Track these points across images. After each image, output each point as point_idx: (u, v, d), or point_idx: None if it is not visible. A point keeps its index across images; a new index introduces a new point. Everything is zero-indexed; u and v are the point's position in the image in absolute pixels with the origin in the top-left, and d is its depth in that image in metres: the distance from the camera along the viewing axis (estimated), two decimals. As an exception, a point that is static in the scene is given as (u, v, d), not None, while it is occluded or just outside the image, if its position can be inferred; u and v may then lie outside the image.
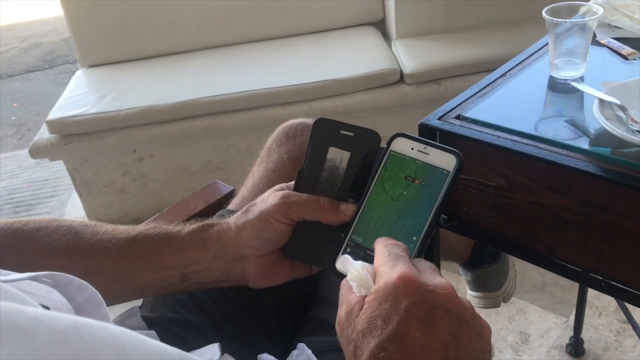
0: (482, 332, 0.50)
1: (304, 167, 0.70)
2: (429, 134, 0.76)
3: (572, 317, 1.65)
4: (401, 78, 2.06)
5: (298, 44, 2.31)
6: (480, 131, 0.74)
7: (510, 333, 1.65)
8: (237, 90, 2.02)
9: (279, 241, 0.67)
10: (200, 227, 0.70)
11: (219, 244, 0.68)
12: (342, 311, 0.52)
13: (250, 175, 0.91)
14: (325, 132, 0.70)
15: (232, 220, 0.69)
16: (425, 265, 0.55)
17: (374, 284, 0.52)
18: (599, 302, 1.69)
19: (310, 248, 0.69)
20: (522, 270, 1.72)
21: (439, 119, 0.77)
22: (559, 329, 1.65)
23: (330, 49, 2.24)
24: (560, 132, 0.76)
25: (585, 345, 1.57)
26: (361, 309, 0.50)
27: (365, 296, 0.51)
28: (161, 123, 2.02)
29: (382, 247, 0.55)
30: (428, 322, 0.47)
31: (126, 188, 2.15)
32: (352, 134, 0.69)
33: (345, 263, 0.57)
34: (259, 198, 0.69)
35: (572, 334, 1.58)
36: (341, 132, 0.69)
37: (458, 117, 0.77)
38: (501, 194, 0.75)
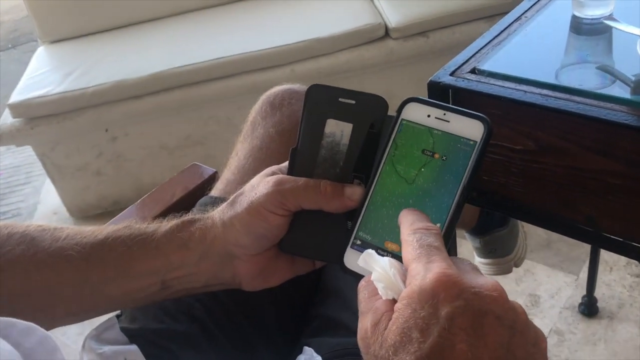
0: (537, 343, 0.40)
1: (298, 145, 0.58)
2: (440, 94, 0.65)
3: (582, 275, 1.58)
4: (386, 33, 1.93)
5: (273, 2, 2.16)
6: (502, 86, 0.62)
7: (519, 296, 1.57)
8: (212, 58, 1.88)
9: (274, 236, 0.56)
10: (180, 224, 0.59)
11: (203, 244, 0.57)
12: (366, 322, 0.42)
13: (234, 154, 0.80)
14: (321, 100, 0.58)
15: (217, 214, 0.58)
16: (463, 262, 0.44)
17: (405, 285, 0.42)
18: (609, 256, 1.61)
19: (312, 241, 0.58)
20: (525, 228, 1.64)
21: (452, 74, 0.65)
22: (570, 288, 1.58)
23: (309, 6, 2.10)
24: (591, 80, 0.65)
25: (598, 304, 1.49)
26: (390, 318, 0.40)
27: (394, 301, 0.41)
28: (133, 98, 1.89)
29: (410, 234, 0.44)
30: (476, 331, 0.37)
31: (102, 170, 2.02)
32: (353, 102, 0.58)
33: (369, 259, 0.46)
34: (247, 185, 0.58)
35: (583, 292, 1.51)
36: (340, 100, 0.58)
37: (473, 71, 0.66)
38: (529, 159, 0.64)
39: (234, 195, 0.58)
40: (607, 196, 0.61)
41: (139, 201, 0.77)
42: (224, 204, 0.59)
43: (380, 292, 0.43)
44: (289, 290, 0.71)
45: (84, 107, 1.88)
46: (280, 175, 0.56)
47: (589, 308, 1.48)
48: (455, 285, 0.38)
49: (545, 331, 1.47)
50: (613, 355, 1.41)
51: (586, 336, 1.46)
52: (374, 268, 0.45)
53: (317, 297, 0.72)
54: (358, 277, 0.52)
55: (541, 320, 1.50)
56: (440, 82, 0.64)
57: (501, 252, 1.25)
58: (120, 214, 0.75)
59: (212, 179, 0.79)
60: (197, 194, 0.77)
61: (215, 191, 0.77)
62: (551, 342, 1.45)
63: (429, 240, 0.43)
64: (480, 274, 0.42)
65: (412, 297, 0.39)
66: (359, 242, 0.53)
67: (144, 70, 1.87)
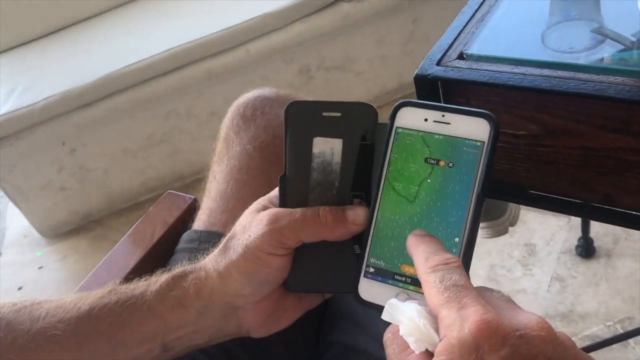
0: None
1: (286, 172, 0.53)
2: (430, 88, 0.59)
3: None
4: (338, -4, 1.84)
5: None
6: (497, 71, 0.56)
7: (515, 247, 1.55)
8: (160, 50, 1.77)
9: (278, 279, 0.51)
10: (171, 281, 0.53)
11: (200, 299, 0.52)
12: None
13: (212, 179, 0.73)
14: (303, 118, 0.52)
15: (210, 263, 0.52)
16: (494, 296, 0.39)
17: (438, 335, 0.37)
18: (597, 192, 1.60)
19: (320, 275, 0.52)
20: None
21: (439, 63, 0.59)
22: (563, 231, 1.56)
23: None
24: (580, 41, 0.60)
25: (594, 244, 1.48)
26: None
27: (429, 353, 0.37)
28: (85, 107, 1.78)
29: (430, 273, 0.39)
30: None
31: (66, 185, 1.92)
32: (338, 114, 0.52)
33: (393, 311, 0.40)
34: (238, 226, 0.52)
35: (577, 234, 1.49)
36: (324, 114, 0.52)
37: (461, 56, 0.60)
38: (535, 143, 0.59)
39: (225, 239, 0.52)
40: (625, 173, 0.56)
41: (115, 247, 0.70)
42: (216, 251, 0.53)
43: (412, 347, 0.38)
44: (296, 322, 0.65)
45: (35, 124, 1.77)
46: (273, 211, 0.50)
47: (586, 249, 1.47)
48: (497, 332, 0.34)
49: (547, 280, 1.46)
50: (617, 293, 1.40)
51: (587, 278, 1.45)
52: (401, 320, 0.39)
53: (327, 322, 0.67)
54: (376, 309, 0.47)
55: (541, 270, 1.49)
56: (428, 75, 0.58)
57: (495, 213, 1.22)
58: (100, 263, 0.69)
59: (192, 208, 0.73)
60: (178, 227, 0.71)
61: (199, 223, 0.70)
62: (554, 289, 1.44)
63: (453, 278, 0.38)
64: (517, 307, 0.37)
65: (452, 351, 0.34)
66: (372, 269, 0.48)
67: (91, 75, 1.76)
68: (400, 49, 1.95)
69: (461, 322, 0.34)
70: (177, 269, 0.54)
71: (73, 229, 1.98)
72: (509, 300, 0.38)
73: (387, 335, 0.40)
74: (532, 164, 0.61)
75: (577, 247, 1.49)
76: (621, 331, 1.32)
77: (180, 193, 0.74)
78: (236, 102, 0.75)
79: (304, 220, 0.48)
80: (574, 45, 0.61)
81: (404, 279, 0.46)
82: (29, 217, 1.97)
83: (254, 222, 0.50)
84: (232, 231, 0.52)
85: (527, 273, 1.49)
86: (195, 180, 1.98)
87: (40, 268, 1.88)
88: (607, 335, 1.32)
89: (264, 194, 0.59)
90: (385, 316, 0.41)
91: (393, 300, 0.41)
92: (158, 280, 0.54)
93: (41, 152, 1.84)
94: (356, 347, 0.62)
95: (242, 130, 0.72)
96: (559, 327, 1.37)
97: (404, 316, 0.39)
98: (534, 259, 1.52)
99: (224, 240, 0.52)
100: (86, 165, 1.90)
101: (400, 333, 0.39)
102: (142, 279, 0.56)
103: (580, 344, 1.32)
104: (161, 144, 1.93)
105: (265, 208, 0.52)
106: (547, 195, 0.63)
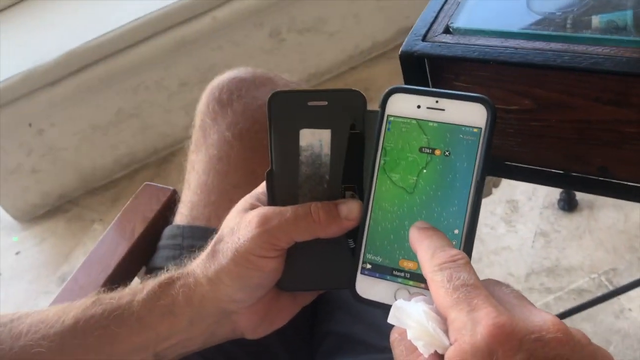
0: None
1: (273, 167, 0.50)
2: (416, 67, 0.56)
3: (554, 168, 1.56)
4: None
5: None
6: (487, 45, 0.53)
7: (497, 205, 1.54)
8: (125, 22, 1.69)
9: (271, 281, 0.49)
10: (158, 290, 0.50)
11: (191, 307, 0.49)
12: None
13: (191, 169, 0.69)
14: (288, 110, 0.49)
15: (199, 269, 0.50)
16: (504, 292, 0.38)
17: (448, 338, 0.35)
18: (577, 144, 1.59)
19: (314, 272, 0.50)
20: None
21: (424, 39, 0.56)
22: (545, 186, 1.55)
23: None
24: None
25: (576, 197, 1.48)
26: None
27: (438, 355, 0.35)
28: (50, 85, 1.70)
29: (436, 271, 0.37)
30: None
31: (37, 167, 1.86)
32: (325, 103, 0.49)
33: (400, 315, 0.38)
34: (225, 228, 0.49)
35: (559, 188, 1.49)
36: (309, 104, 0.49)
37: (447, 30, 0.57)
38: (527, 118, 0.57)
39: (212, 242, 0.50)
40: (622, 145, 0.54)
41: (97, 245, 0.67)
42: (203, 255, 0.50)
43: (420, 350, 0.36)
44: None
45: (-3, 106, 1.69)
46: (263, 211, 0.47)
47: (568, 203, 1.47)
48: (512, 336, 0.32)
49: (530, 236, 1.47)
50: (600, 245, 1.41)
51: (571, 231, 1.45)
52: (408, 324, 0.37)
53: (322, 311, 0.65)
54: (375, 307, 0.46)
55: (524, 226, 1.49)
56: (414, 52, 0.55)
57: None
58: (80, 265, 0.65)
59: (172, 200, 0.69)
60: (159, 222, 0.68)
61: (180, 217, 0.67)
62: (538, 245, 1.45)
63: (462, 277, 0.36)
64: (529, 305, 0.36)
65: (465, 357, 0.32)
66: (369, 266, 0.45)
67: (54, 51, 1.68)
68: (373, 4, 1.90)
69: (473, 325, 0.33)
70: (164, 276, 0.51)
71: (48, 211, 1.93)
72: (520, 297, 0.37)
73: (394, 336, 0.38)
74: (524, 138, 0.59)
75: (559, 201, 1.49)
76: (606, 283, 1.34)
77: (158, 185, 0.70)
78: (210, 85, 0.71)
79: (295, 219, 0.46)
80: (561, 6, 0.58)
81: (402, 274, 0.44)
82: (1, 202, 1.91)
83: (242, 224, 0.47)
84: (219, 234, 0.49)
85: (511, 230, 1.49)
86: (170, 154, 1.93)
87: (17, 253, 1.84)
88: (593, 287, 1.34)
89: (247, 184, 0.56)
90: (391, 320, 0.38)
91: (399, 302, 0.39)
92: (144, 288, 0.51)
93: (7, 136, 1.77)
94: (353, 337, 0.60)
95: (218, 116, 0.68)
96: (545, 282, 1.38)
97: (411, 319, 0.37)
98: (516, 216, 1.52)
99: (210, 244, 0.50)
100: (56, 146, 1.84)
101: (409, 337, 0.37)
102: (126, 286, 0.53)
103: (566, 298, 1.34)
104: (131, 119, 1.87)
105: (253, 207, 0.49)
106: (541, 169, 0.61)
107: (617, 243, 1.41)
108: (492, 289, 0.37)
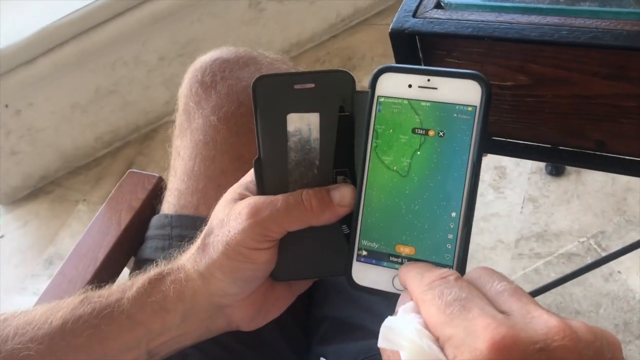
0: (614, 355, 0.33)
1: (260, 154, 0.48)
2: (407, 44, 0.54)
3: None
4: None
5: None
6: (481, 20, 0.51)
7: (485, 171, 1.53)
8: (97, -4, 1.64)
9: (265, 273, 0.47)
10: (147, 285, 0.49)
11: (183, 303, 0.48)
12: None
13: (176, 155, 0.67)
14: (273, 94, 0.47)
15: (189, 263, 0.48)
16: (497, 289, 0.35)
17: (443, 354, 0.33)
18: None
19: (308, 261, 0.49)
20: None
21: (415, 15, 0.54)
22: (532, 150, 1.55)
23: None
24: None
25: (564, 161, 1.48)
26: None
27: None
28: (25, 64, 1.65)
29: (425, 290, 0.35)
30: None
31: (16, 149, 1.82)
32: (312, 85, 0.47)
33: (391, 336, 0.35)
34: (214, 220, 0.48)
35: (547, 151, 1.49)
36: (295, 87, 0.47)
37: (439, 5, 0.54)
38: (522, 93, 0.55)
39: (202, 235, 0.48)
40: (620, 119, 0.53)
41: (82, 237, 0.65)
42: (193, 249, 0.49)
43: None
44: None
45: (-30, 88, 1.64)
46: (252, 201, 0.45)
47: (556, 167, 1.47)
48: (514, 347, 0.30)
49: (519, 201, 1.46)
50: (588, 208, 1.42)
51: (559, 196, 1.45)
52: (401, 345, 0.34)
53: (317, 294, 0.64)
54: (373, 294, 0.44)
55: (513, 191, 1.49)
56: (405, 30, 0.53)
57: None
58: (66, 258, 0.64)
59: (158, 187, 0.67)
60: (146, 211, 0.65)
61: (168, 206, 0.65)
62: (527, 210, 1.45)
63: (453, 292, 0.34)
64: (531, 305, 0.33)
65: None
66: (364, 252, 0.44)
67: (27, 29, 1.63)
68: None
69: (472, 341, 0.30)
70: (153, 271, 0.49)
71: (30, 192, 1.89)
72: (516, 292, 0.34)
73: (387, 354, 0.36)
74: (519, 114, 0.57)
75: (546, 166, 1.48)
76: (595, 246, 1.35)
77: (143, 172, 0.68)
78: (192, 67, 0.68)
79: (287, 208, 0.44)
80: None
81: (400, 259, 0.43)
82: (-18, 185, 1.87)
83: (232, 215, 0.45)
84: (208, 226, 0.48)
85: (500, 196, 1.49)
86: (152, 130, 1.90)
87: (1, 237, 1.81)
88: (582, 251, 1.35)
89: (235, 169, 0.54)
90: (382, 343, 0.36)
91: (388, 322, 0.36)
92: (134, 284, 0.49)
93: (-17, 118, 1.73)
94: (349, 322, 0.59)
95: (202, 99, 0.65)
96: (535, 247, 1.38)
97: (403, 338, 0.34)
98: (505, 181, 1.51)
99: (200, 237, 0.48)
100: (35, 126, 1.80)
101: (403, 359, 0.35)
102: (115, 280, 0.52)
103: (556, 262, 1.34)
104: (111, 96, 1.83)
105: (242, 197, 0.47)
106: (537, 145, 0.59)
107: (605, 206, 1.41)
108: (486, 289, 0.35)
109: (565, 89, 0.53)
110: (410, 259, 0.42)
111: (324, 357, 0.58)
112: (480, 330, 0.31)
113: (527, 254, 1.38)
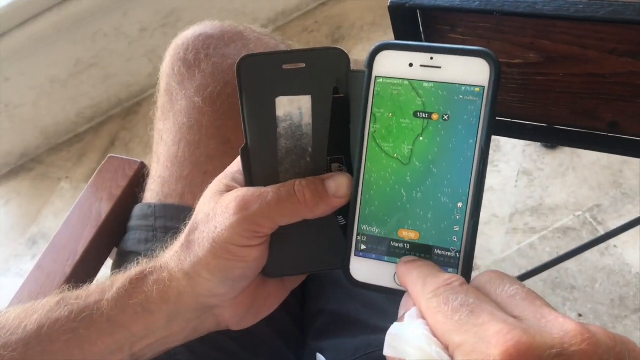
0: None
1: (248, 142, 0.44)
2: (408, 19, 0.49)
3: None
4: None
5: None
6: (488, -7, 0.47)
7: (479, 144, 1.50)
8: (74, -35, 1.57)
9: (255, 271, 0.44)
10: (128, 286, 0.45)
11: (167, 304, 0.45)
12: None
13: (159, 140, 0.62)
14: (261, 76, 0.43)
15: (173, 262, 0.45)
16: (509, 293, 0.32)
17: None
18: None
19: (301, 255, 0.46)
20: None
21: (415, -12, 0.49)
22: (527, 122, 1.52)
23: None
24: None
25: (559, 132, 1.45)
26: None
27: None
28: (-1, 37, 1.59)
29: (430, 298, 0.33)
30: None
31: (-6, 125, 1.76)
32: (302, 65, 0.43)
33: (396, 343, 0.33)
34: (199, 214, 0.44)
35: (541, 123, 1.45)
36: (284, 67, 0.43)
37: (442, -24, 0.50)
38: (532, 72, 0.51)
39: (186, 230, 0.44)
40: (635, 99, 0.49)
41: (61, 228, 0.60)
42: (176, 246, 0.45)
43: None
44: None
45: (-56, 63, 1.58)
46: (240, 193, 0.41)
47: (551, 140, 1.44)
48: (529, 352, 0.27)
49: (514, 175, 1.43)
50: (584, 182, 1.39)
51: (554, 169, 1.42)
52: (408, 352, 0.32)
53: (312, 287, 0.60)
54: (372, 290, 0.41)
55: (507, 165, 1.45)
56: (405, 3, 0.49)
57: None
58: (44, 251, 0.60)
59: (140, 174, 0.63)
60: (127, 200, 0.61)
61: (151, 194, 0.61)
62: (521, 184, 1.42)
63: (460, 298, 0.31)
64: (545, 308, 0.30)
65: None
66: (363, 246, 0.41)
67: (-1, 0, 1.56)
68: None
69: (484, 347, 0.28)
70: (134, 270, 0.46)
71: (11, 170, 1.84)
72: (529, 296, 0.31)
73: None
74: (527, 94, 0.53)
75: (542, 138, 1.45)
76: (591, 220, 1.32)
77: (124, 157, 0.64)
78: (174, 43, 0.63)
79: (278, 201, 0.41)
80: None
81: (402, 244, 0.39)
82: (-40, 163, 1.81)
83: (218, 210, 0.42)
84: (192, 221, 0.44)
85: (494, 170, 1.46)
86: (135, 104, 1.84)
87: (-19, 217, 1.76)
88: (578, 225, 1.32)
89: (222, 154, 0.50)
90: (388, 351, 0.33)
91: (393, 329, 0.34)
92: (113, 284, 0.46)
93: (-42, 94, 1.66)
94: (347, 316, 0.56)
95: (185, 79, 0.61)
96: (530, 222, 1.36)
97: (410, 346, 0.32)
98: (499, 155, 1.48)
99: (184, 232, 0.44)
100: (12, 102, 1.73)
101: None
102: (96, 277, 0.48)
103: (551, 237, 1.32)
104: (91, 69, 1.76)
105: (228, 189, 0.43)
106: (545, 126, 0.56)
107: (601, 179, 1.38)
108: (497, 293, 0.32)
109: (578, 67, 0.49)
110: (413, 245, 0.39)
111: (321, 353, 0.55)
112: (492, 335, 0.28)
113: (521, 228, 1.36)
